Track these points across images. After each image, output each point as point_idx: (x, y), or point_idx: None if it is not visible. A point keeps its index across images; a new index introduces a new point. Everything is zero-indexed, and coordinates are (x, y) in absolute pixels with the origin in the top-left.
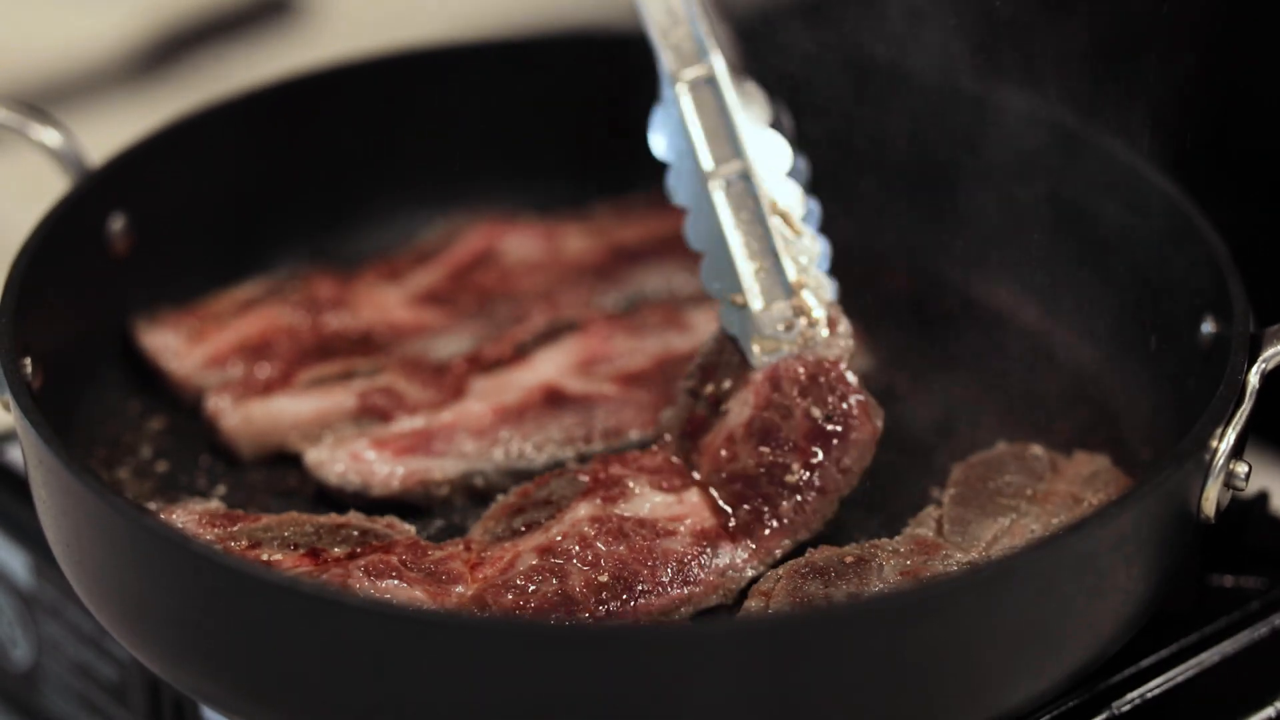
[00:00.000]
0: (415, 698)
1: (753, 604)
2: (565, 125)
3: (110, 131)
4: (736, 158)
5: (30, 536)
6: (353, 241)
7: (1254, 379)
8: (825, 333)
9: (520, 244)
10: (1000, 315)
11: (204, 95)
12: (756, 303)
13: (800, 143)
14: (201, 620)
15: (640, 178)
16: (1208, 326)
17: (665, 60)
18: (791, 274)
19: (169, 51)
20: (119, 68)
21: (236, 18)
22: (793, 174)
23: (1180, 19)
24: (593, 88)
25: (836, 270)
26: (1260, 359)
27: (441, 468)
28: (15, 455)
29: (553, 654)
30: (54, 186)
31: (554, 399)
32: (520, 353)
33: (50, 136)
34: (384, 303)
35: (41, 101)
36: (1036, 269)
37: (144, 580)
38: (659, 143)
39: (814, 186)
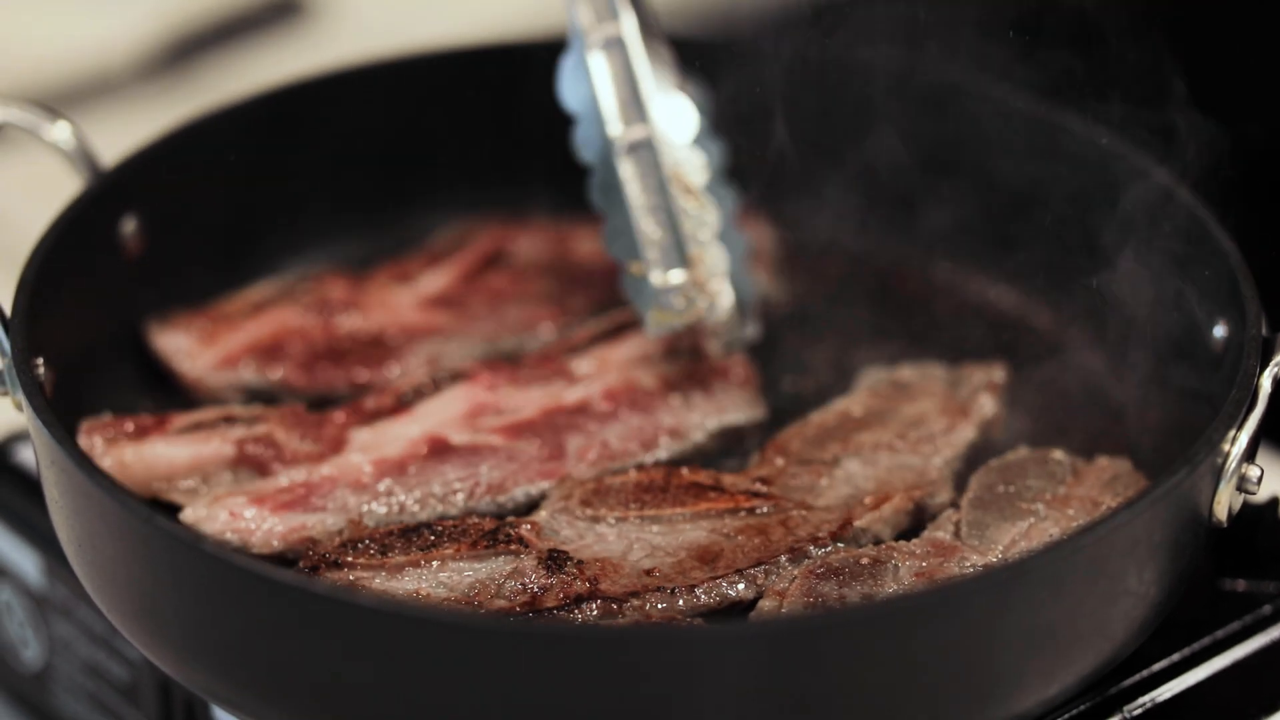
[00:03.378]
0: (426, 699)
1: (767, 604)
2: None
3: (123, 133)
4: (642, 122)
5: (42, 537)
6: (364, 243)
7: (1266, 383)
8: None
9: (531, 246)
10: (1012, 318)
11: (216, 97)
12: (653, 272)
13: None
14: (213, 620)
15: None
16: (1220, 330)
17: (579, 15)
18: (689, 247)
19: (182, 53)
20: (132, 69)
21: (248, 20)
22: (700, 144)
23: (1191, 23)
24: None
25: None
26: (1273, 363)
27: (321, 522)
28: (27, 455)
29: (565, 655)
30: (67, 187)
31: (438, 451)
32: (402, 404)
33: (63, 137)
34: (395, 304)
35: (55, 102)
36: (1048, 273)
37: (156, 580)
38: (568, 96)
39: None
